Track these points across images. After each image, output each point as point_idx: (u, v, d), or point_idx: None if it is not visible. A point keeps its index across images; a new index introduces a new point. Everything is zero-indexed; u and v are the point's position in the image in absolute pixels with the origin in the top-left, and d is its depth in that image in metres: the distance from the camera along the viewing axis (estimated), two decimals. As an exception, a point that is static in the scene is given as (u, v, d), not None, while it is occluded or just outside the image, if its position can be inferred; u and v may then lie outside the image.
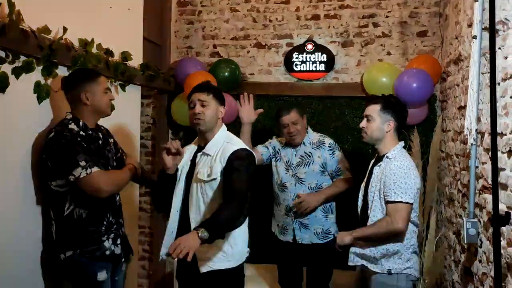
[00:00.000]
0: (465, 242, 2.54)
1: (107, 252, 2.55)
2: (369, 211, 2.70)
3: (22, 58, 2.36)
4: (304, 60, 4.32)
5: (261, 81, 4.44)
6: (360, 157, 4.16)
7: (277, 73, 4.44)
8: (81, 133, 2.48)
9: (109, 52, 3.12)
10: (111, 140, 2.78)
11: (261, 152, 3.46)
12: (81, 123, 2.51)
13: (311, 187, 3.33)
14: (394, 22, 4.24)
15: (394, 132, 2.72)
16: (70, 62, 2.71)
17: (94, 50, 2.96)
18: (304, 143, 3.39)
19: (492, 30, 2.11)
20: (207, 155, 2.49)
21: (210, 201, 2.43)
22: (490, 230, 2.28)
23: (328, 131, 4.24)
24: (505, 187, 2.10)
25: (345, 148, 4.23)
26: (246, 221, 2.48)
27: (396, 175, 2.55)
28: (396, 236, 2.60)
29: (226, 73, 4.28)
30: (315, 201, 3.27)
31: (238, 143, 2.51)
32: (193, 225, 2.40)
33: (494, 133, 2.05)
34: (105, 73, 3.04)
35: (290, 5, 4.42)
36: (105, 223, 2.56)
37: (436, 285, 3.56)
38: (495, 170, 2.02)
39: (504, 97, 2.15)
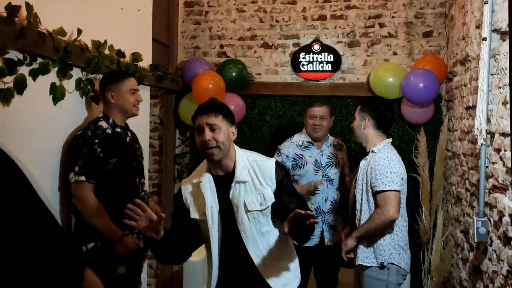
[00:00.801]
0: (475, 241, 2.57)
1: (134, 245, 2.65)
2: (357, 204, 2.82)
3: (39, 60, 2.40)
4: (311, 60, 4.36)
5: (268, 81, 4.48)
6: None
7: (284, 73, 4.48)
8: (108, 131, 2.65)
9: (120, 53, 3.15)
10: (140, 145, 2.97)
11: None
12: (110, 120, 2.70)
13: (336, 188, 3.39)
14: (400, 22, 4.28)
15: (374, 129, 2.84)
16: (84, 63, 2.74)
17: (106, 51, 2.99)
18: (327, 144, 3.44)
19: (511, 32, 2.14)
20: (243, 182, 2.17)
21: (265, 230, 2.20)
22: (501, 229, 2.31)
23: (334, 130, 4.29)
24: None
25: (352, 148, 4.27)
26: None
27: (381, 165, 2.67)
28: (391, 223, 2.69)
29: (234, 73, 4.32)
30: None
31: (264, 157, 2.28)
32: (256, 260, 2.17)
33: None
34: (117, 73, 3.09)
35: (297, 6, 4.45)
36: (127, 217, 2.58)
37: (443, 284, 3.60)
38: None
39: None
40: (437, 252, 3.51)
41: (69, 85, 2.66)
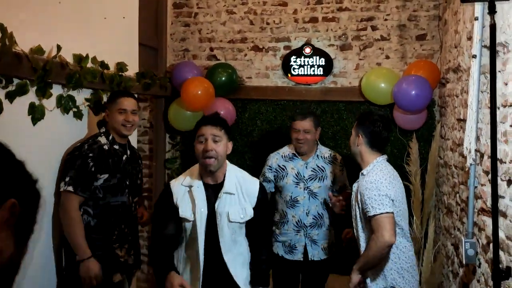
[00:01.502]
0: (464, 262, 2.53)
1: (121, 259, 2.74)
2: (355, 232, 2.73)
3: (16, 80, 2.33)
4: (302, 64, 4.28)
5: (259, 85, 4.41)
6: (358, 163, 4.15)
7: (274, 76, 4.40)
8: (105, 146, 2.72)
9: (104, 65, 3.08)
10: (140, 163, 3.04)
11: (268, 188, 3.22)
12: (110, 137, 2.77)
13: (321, 203, 3.27)
14: (393, 25, 4.19)
15: (367, 147, 2.69)
16: (65, 79, 2.67)
17: (89, 64, 2.92)
18: (316, 156, 3.30)
19: (492, 58, 2.07)
20: (230, 193, 2.42)
21: (239, 240, 2.48)
22: (489, 253, 2.27)
23: (326, 135, 4.24)
24: (504, 215, 2.08)
25: (344, 153, 4.22)
26: None
27: (368, 189, 2.54)
28: (387, 250, 2.56)
29: (223, 78, 4.25)
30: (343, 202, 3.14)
31: (249, 176, 2.57)
32: (229, 265, 2.41)
33: (494, 163, 2.02)
34: (101, 86, 3.04)
35: (288, 8, 4.36)
36: (116, 232, 2.73)
37: (433, 293, 3.58)
38: (496, 221, 2.01)
39: (504, 123, 2.12)
40: (427, 263, 3.48)
41: (49, 102, 2.60)
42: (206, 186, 2.42)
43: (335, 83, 4.30)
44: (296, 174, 3.25)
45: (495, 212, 2.01)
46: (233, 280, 2.43)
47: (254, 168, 4.33)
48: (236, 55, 4.46)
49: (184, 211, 2.40)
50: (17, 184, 0.88)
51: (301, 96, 4.31)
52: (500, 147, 2.14)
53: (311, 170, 3.28)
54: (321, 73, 4.26)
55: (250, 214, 2.44)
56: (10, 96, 2.29)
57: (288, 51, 4.34)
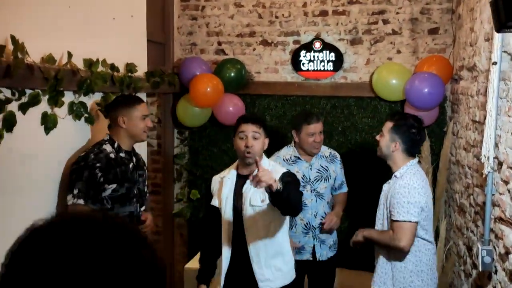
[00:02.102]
0: (480, 270, 2.53)
1: None
2: (376, 228, 2.79)
3: (28, 91, 2.29)
4: (312, 59, 4.22)
5: (268, 80, 4.35)
6: (368, 158, 4.13)
7: (284, 71, 4.35)
8: (111, 155, 2.62)
9: (114, 68, 3.04)
10: (145, 169, 2.96)
11: None
12: (115, 144, 2.67)
13: (327, 202, 3.29)
14: (404, 18, 4.11)
15: (403, 153, 2.71)
16: (76, 86, 2.64)
17: (100, 67, 2.88)
18: (319, 157, 3.29)
19: None
20: None
21: (267, 226, 2.58)
22: (507, 264, 2.27)
23: (336, 131, 4.21)
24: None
25: (354, 149, 4.20)
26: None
27: (399, 194, 2.57)
28: (401, 253, 2.62)
29: (232, 74, 4.19)
30: (338, 218, 3.29)
31: (281, 167, 2.73)
32: (251, 252, 2.56)
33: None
34: (111, 89, 3.00)
35: (297, 1, 4.28)
36: None
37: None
38: None
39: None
40: (439, 262, 3.48)
41: (61, 110, 2.57)
42: (240, 177, 2.63)
43: (345, 78, 4.24)
44: (302, 177, 3.21)
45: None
46: (252, 267, 2.57)
47: (264, 164, 4.32)
48: (245, 50, 4.40)
49: (214, 200, 2.66)
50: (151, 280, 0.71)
51: (311, 91, 4.26)
52: (522, 159, 2.11)
53: (316, 171, 3.27)
54: (331, 68, 4.20)
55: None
56: (23, 108, 2.26)
57: (297, 46, 4.27)
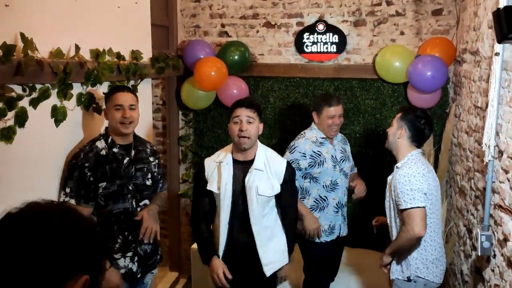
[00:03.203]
0: (479, 254, 2.61)
1: (122, 271, 2.62)
2: (388, 220, 2.87)
3: (38, 86, 2.34)
4: (315, 41, 4.22)
5: (271, 62, 4.37)
6: (371, 140, 4.19)
7: (287, 53, 4.36)
8: (103, 152, 2.58)
9: (120, 56, 3.07)
10: (153, 160, 2.84)
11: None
12: (109, 139, 2.63)
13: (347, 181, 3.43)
14: (408, 0, 4.10)
15: (408, 141, 2.80)
16: (84, 78, 2.67)
17: (106, 57, 2.91)
18: (338, 139, 3.40)
19: None
20: (259, 170, 2.65)
21: (267, 212, 2.71)
22: (505, 250, 2.35)
23: (339, 113, 4.24)
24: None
25: (357, 131, 4.25)
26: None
27: (401, 183, 2.65)
28: (418, 240, 2.69)
29: (236, 57, 4.21)
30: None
31: (278, 155, 2.82)
32: (256, 236, 2.67)
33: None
34: (117, 78, 3.03)
35: (300, -18, 4.25)
36: (119, 241, 2.63)
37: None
38: None
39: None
40: (439, 243, 3.57)
41: (70, 102, 2.61)
42: (236, 162, 2.69)
43: (349, 60, 4.25)
44: (331, 158, 3.29)
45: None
46: (257, 252, 2.68)
47: (267, 145, 4.37)
48: (248, 32, 4.40)
49: (211, 185, 2.68)
50: (92, 261, 0.96)
51: (314, 73, 4.28)
52: (522, 151, 2.16)
53: (340, 152, 3.37)
54: (334, 50, 4.21)
55: (277, 189, 2.68)
56: (34, 103, 2.31)
57: (301, 28, 4.27)
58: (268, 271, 2.74)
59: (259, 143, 2.75)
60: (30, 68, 2.17)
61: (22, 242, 0.88)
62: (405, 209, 2.62)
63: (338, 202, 3.33)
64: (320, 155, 3.25)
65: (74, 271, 0.92)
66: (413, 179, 2.63)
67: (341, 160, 3.35)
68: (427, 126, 2.80)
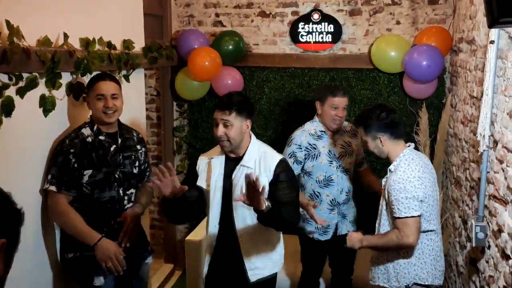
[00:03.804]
0: (473, 245, 2.59)
1: None
2: (379, 218, 2.68)
3: (25, 75, 2.30)
4: (310, 30, 4.18)
5: (266, 52, 4.33)
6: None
7: (282, 43, 4.31)
8: (89, 139, 2.55)
9: (111, 46, 3.02)
10: (140, 148, 2.81)
11: (296, 170, 3.08)
12: (95, 127, 2.60)
13: (350, 177, 3.26)
14: (404, -12, 4.05)
15: (390, 141, 2.58)
16: (73, 67, 2.63)
17: (96, 46, 2.87)
18: (341, 132, 3.23)
19: None
20: (247, 167, 2.43)
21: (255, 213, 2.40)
22: (500, 241, 2.32)
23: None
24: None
25: (352, 121, 4.21)
26: None
27: (395, 190, 2.46)
28: (407, 249, 2.55)
29: (230, 46, 4.16)
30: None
31: (274, 152, 2.55)
32: (240, 237, 2.48)
33: None
34: (108, 67, 2.99)
35: (295, -30, 4.20)
36: (105, 229, 2.59)
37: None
38: None
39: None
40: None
41: (59, 91, 2.57)
42: (229, 159, 2.52)
43: (344, 50, 4.21)
44: (328, 153, 3.16)
45: None
46: (241, 255, 2.50)
47: (263, 136, 4.35)
48: (243, 21, 4.35)
49: (200, 181, 2.53)
50: (3, 220, 1.00)
51: (310, 63, 4.24)
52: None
53: (341, 147, 3.20)
54: (330, 40, 4.16)
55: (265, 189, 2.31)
56: (21, 92, 2.27)
57: (296, 17, 4.22)
58: (252, 276, 2.53)
59: (253, 138, 2.52)
60: (16, 56, 2.13)
61: None
62: (399, 218, 2.47)
63: (333, 200, 3.19)
64: (315, 148, 3.16)
65: None
66: (408, 185, 2.44)
67: (340, 155, 3.19)
68: (389, 113, 2.58)
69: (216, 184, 2.49)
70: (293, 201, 2.44)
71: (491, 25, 1.23)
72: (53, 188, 2.42)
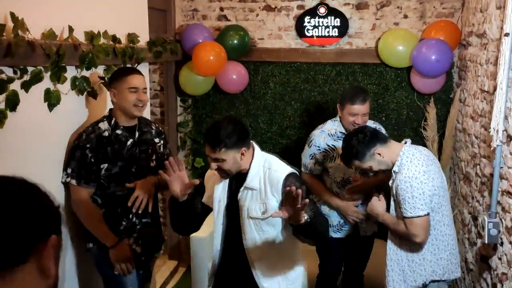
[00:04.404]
0: (486, 242, 2.55)
1: None
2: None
3: (30, 68, 2.25)
4: (317, 24, 4.12)
5: (271, 47, 4.27)
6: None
7: (287, 37, 4.25)
8: (105, 133, 2.57)
9: (116, 40, 2.97)
10: (158, 141, 2.82)
11: (317, 171, 3.09)
12: (113, 121, 2.60)
13: (375, 179, 3.06)
14: (412, -18, 3.99)
15: (384, 147, 2.53)
16: (78, 61, 2.58)
17: (101, 40, 2.82)
18: None
19: None
20: (251, 189, 2.20)
21: (268, 236, 2.23)
22: (514, 237, 2.28)
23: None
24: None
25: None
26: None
27: (403, 190, 2.42)
28: (415, 246, 2.52)
29: (235, 41, 4.11)
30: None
31: (279, 165, 2.23)
32: (253, 260, 2.24)
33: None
34: (113, 61, 2.95)
35: (301, -36, 4.14)
36: (124, 223, 2.63)
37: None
38: None
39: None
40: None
41: (64, 85, 2.52)
42: (235, 180, 2.26)
43: (351, 44, 4.16)
44: None
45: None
46: (256, 279, 2.26)
47: (267, 131, 4.31)
48: (247, 16, 4.29)
49: (206, 197, 2.35)
50: (50, 218, 0.95)
51: (315, 58, 4.19)
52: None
53: None
54: (336, 34, 4.11)
55: (273, 209, 2.14)
56: (26, 86, 2.22)
57: (301, 11, 4.16)
58: None
59: (256, 153, 2.23)
60: (20, 49, 2.08)
61: None
62: (406, 217, 2.44)
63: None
64: (334, 149, 3.06)
65: (45, 231, 0.91)
66: (415, 183, 2.39)
67: None
68: (361, 131, 2.57)
69: (219, 204, 2.28)
70: (318, 212, 2.28)
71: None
72: (73, 182, 2.50)
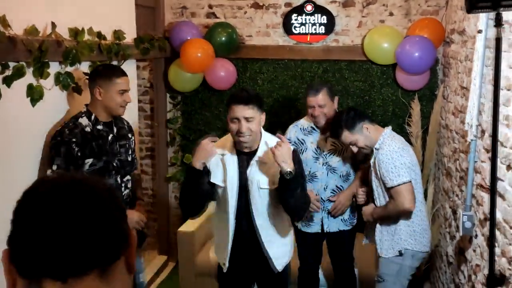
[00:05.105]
0: (461, 234, 2.60)
1: None
2: (375, 200, 2.85)
3: (12, 64, 2.29)
4: (304, 22, 4.16)
5: (259, 44, 4.31)
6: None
7: (275, 35, 4.30)
8: (87, 128, 2.58)
9: (100, 36, 3.02)
10: (131, 137, 2.88)
11: None
12: (92, 117, 2.62)
13: (342, 176, 3.15)
14: (397, -20, 4.04)
15: (372, 125, 2.83)
16: (62, 57, 2.63)
17: (86, 36, 2.86)
18: None
19: (496, 70, 1.98)
20: (263, 162, 2.46)
21: (276, 206, 2.50)
22: (486, 228, 2.33)
23: (327, 95, 4.20)
24: (502, 197, 2.12)
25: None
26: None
27: (384, 162, 2.67)
28: (407, 214, 2.74)
29: (223, 38, 4.15)
30: (347, 200, 3.13)
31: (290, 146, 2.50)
32: (261, 231, 2.52)
33: (494, 145, 2.02)
34: (98, 57, 2.99)
35: (288, -38, 4.18)
36: None
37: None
38: (493, 230, 2.02)
39: (507, 106, 2.11)
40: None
41: (47, 81, 2.57)
42: (240, 153, 2.50)
43: (337, 42, 4.20)
44: (315, 149, 3.12)
45: (492, 221, 2.02)
46: (263, 247, 2.55)
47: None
48: (236, 13, 4.33)
49: (215, 177, 2.50)
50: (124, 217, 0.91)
51: (303, 55, 4.23)
52: (502, 129, 2.14)
53: (331, 144, 3.11)
54: (323, 31, 4.15)
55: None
56: (8, 81, 2.26)
57: (289, 9, 4.21)
58: (279, 265, 2.62)
59: (263, 132, 2.53)
60: (1, 45, 2.13)
61: (82, 212, 0.81)
62: (392, 187, 2.65)
63: (316, 195, 3.14)
64: (302, 143, 3.14)
65: (127, 234, 0.88)
66: (395, 155, 2.66)
67: (328, 153, 3.12)
68: (352, 109, 2.92)
69: (232, 181, 2.48)
70: (304, 177, 2.62)
71: (469, 10, 1.23)
72: None
